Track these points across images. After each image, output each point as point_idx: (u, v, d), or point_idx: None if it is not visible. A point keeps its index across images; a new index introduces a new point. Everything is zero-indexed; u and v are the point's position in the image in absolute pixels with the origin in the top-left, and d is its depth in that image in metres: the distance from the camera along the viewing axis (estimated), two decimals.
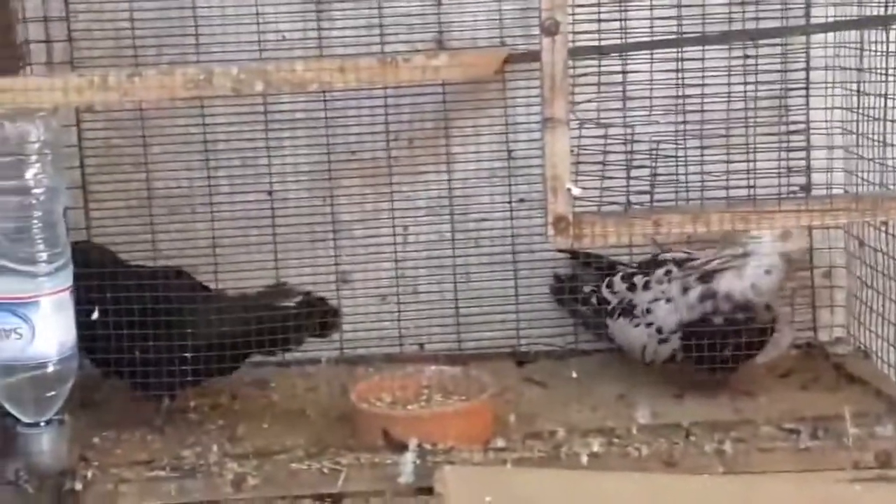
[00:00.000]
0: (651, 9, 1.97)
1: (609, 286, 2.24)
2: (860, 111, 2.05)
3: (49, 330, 1.80)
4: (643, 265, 2.24)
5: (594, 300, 2.26)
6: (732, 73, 1.99)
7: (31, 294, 1.79)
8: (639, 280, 2.19)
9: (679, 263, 2.16)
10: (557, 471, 1.86)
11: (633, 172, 1.94)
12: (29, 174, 1.77)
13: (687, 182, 1.98)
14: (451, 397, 2.06)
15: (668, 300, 2.13)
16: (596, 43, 1.94)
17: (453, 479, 1.78)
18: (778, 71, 2.10)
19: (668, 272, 2.16)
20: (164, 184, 2.33)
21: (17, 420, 1.83)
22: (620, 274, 2.24)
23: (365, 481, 1.88)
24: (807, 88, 2.21)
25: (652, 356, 2.15)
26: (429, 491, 1.83)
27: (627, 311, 2.18)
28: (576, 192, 1.86)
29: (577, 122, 1.91)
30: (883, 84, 1.97)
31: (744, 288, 2.07)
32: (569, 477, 1.84)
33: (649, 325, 2.14)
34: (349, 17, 2.29)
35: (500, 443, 1.93)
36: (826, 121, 2.07)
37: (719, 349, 2.08)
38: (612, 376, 2.24)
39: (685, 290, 2.11)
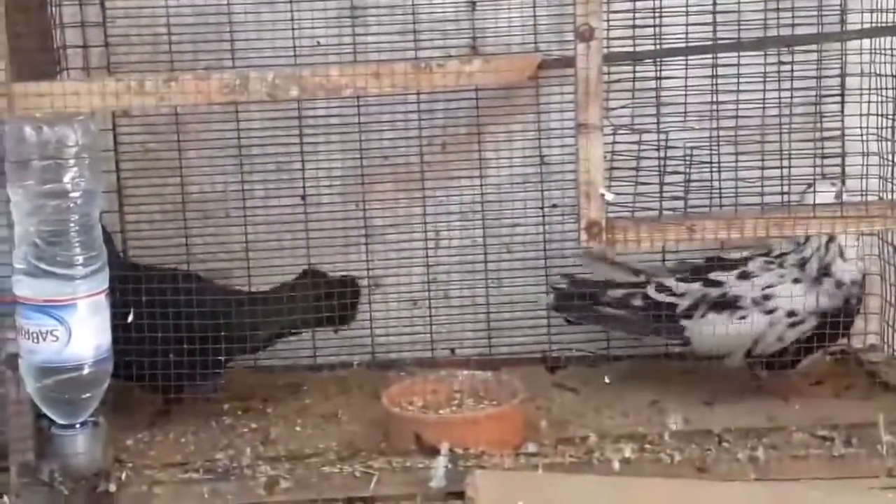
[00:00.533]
0: (686, 15, 1.97)
1: (662, 288, 2.15)
2: (895, 118, 2.04)
3: (85, 332, 1.81)
4: (700, 267, 2.18)
5: (637, 303, 2.18)
6: (767, 79, 1.99)
7: (68, 297, 1.80)
8: (722, 275, 2.12)
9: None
10: (589, 476, 1.86)
11: (667, 178, 1.94)
12: (67, 178, 1.78)
13: (721, 188, 1.97)
14: (483, 402, 2.06)
15: (796, 280, 2.10)
16: (630, 49, 1.94)
17: (484, 484, 1.78)
18: (813, 77, 2.09)
19: (770, 262, 2.13)
20: (199, 188, 2.34)
21: (52, 422, 1.85)
22: (676, 276, 2.17)
23: (396, 485, 1.88)
24: (842, 95, 2.21)
25: (771, 345, 2.10)
26: (460, 495, 1.83)
27: (725, 304, 2.11)
28: (609, 197, 1.86)
29: (611, 127, 1.91)
30: None
31: (858, 268, 2.10)
32: (600, 482, 1.84)
33: (771, 311, 2.10)
34: (384, 23, 2.30)
35: (531, 448, 1.93)
36: (861, 127, 2.06)
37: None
38: (644, 382, 2.23)
39: (817, 278, 2.10)
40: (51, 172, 1.78)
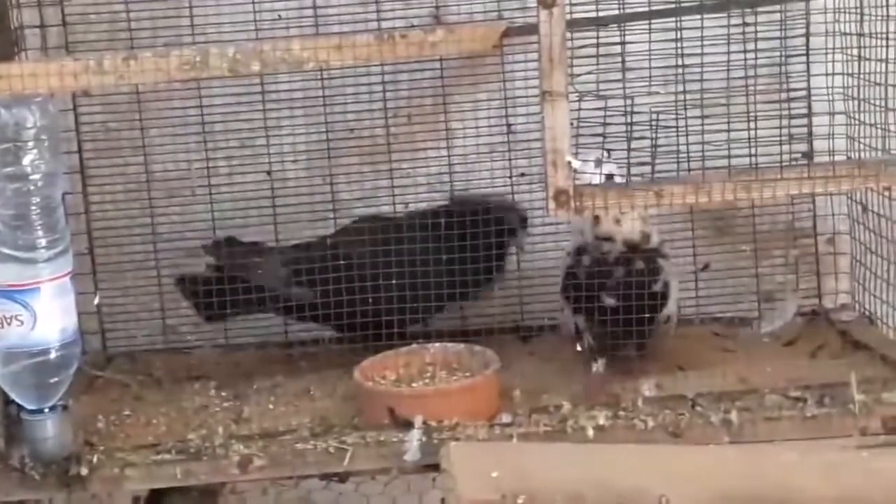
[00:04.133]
0: None
1: None
2: (861, 76, 2.04)
3: (50, 316, 1.80)
4: None
5: None
6: (732, 41, 1.98)
7: (32, 280, 1.78)
8: None
9: None
10: (564, 444, 1.86)
11: (634, 144, 1.93)
12: (26, 160, 1.76)
13: (688, 152, 1.97)
14: (456, 374, 2.05)
15: None
16: (594, 14, 1.93)
17: (459, 456, 1.78)
18: (777, 38, 2.08)
19: None
20: (163, 167, 2.32)
21: (21, 407, 1.83)
22: None
23: (371, 459, 1.88)
24: (807, 55, 2.20)
25: None
26: (435, 468, 1.83)
27: None
28: (576, 164, 1.85)
29: (577, 94, 1.90)
30: (883, 49, 1.95)
31: None
32: (575, 450, 1.84)
33: None
34: None
35: (505, 418, 1.93)
36: (827, 87, 2.06)
37: None
38: None
39: None
40: (10, 155, 1.76)
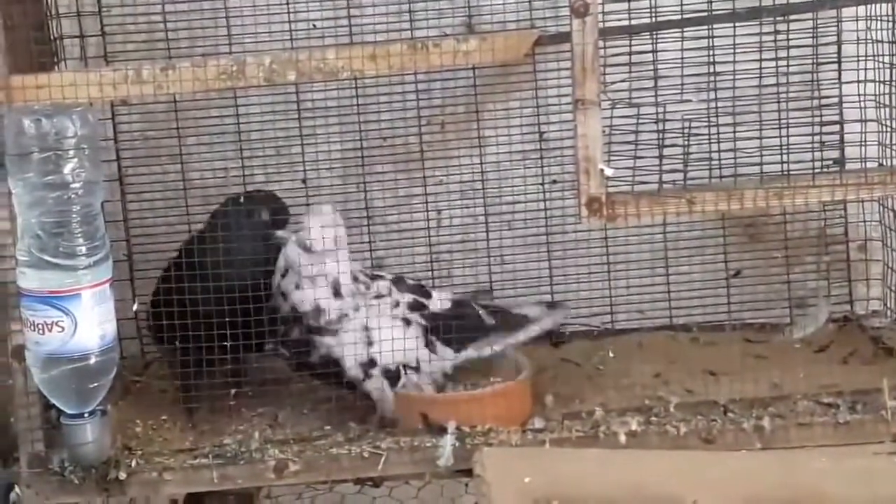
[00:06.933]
0: None
1: None
2: (893, 84, 2.04)
3: (90, 322, 1.82)
4: None
5: None
6: (763, 48, 1.99)
7: (72, 287, 1.81)
8: None
9: None
10: (596, 450, 1.87)
11: (666, 151, 1.94)
12: (67, 169, 1.79)
13: (720, 159, 1.98)
14: (488, 379, 2.06)
15: None
16: (626, 23, 1.94)
17: (492, 461, 1.80)
18: (809, 45, 2.09)
19: None
20: (200, 174, 2.35)
21: (61, 412, 1.86)
22: None
23: (405, 465, 1.90)
24: (838, 62, 2.20)
25: None
26: (468, 473, 1.84)
27: None
28: (608, 172, 1.86)
29: (609, 102, 1.92)
30: None
31: None
32: (608, 456, 1.85)
33: None
34: (378, 3, 2.30)
35: (537, 423, 1.94)
36: (859, 94, 2.06)
37: None
38: (648, 355, 2.24)
39: None
40: (51, 164, 1.78)
